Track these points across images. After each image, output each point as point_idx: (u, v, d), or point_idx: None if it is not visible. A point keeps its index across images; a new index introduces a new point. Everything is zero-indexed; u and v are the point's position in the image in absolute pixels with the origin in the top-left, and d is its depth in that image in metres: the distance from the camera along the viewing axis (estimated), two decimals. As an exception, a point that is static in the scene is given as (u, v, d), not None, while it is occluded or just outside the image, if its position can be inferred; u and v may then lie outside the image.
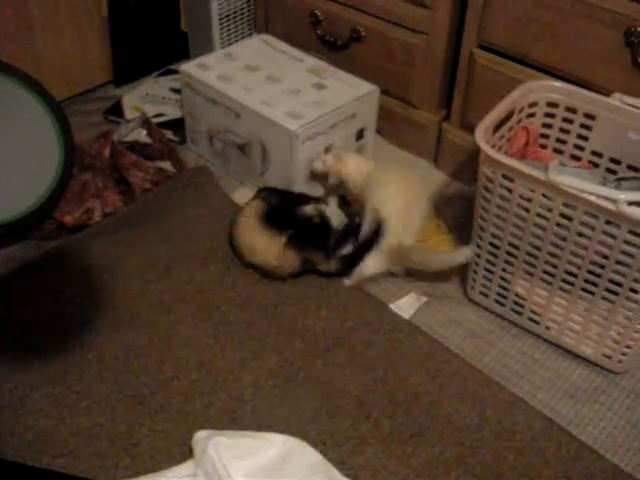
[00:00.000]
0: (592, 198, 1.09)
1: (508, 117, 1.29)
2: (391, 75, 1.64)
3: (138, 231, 1.46)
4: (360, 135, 1.58)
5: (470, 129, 1.57)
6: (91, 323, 1.30)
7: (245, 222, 1.39)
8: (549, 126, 1.37)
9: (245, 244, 1.39)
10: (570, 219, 1.14)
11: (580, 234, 1.15)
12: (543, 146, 1.40)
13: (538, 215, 1.17)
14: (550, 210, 1.15)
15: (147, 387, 1.20)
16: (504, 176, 1.17)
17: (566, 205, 1.13)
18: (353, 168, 1.41)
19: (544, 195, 1.14)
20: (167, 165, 1.64)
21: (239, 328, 1.31)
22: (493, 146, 1.24)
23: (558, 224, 1.16)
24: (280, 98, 1.50)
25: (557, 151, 1.40)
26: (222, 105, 1.53)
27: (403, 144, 1.71)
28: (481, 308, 1.38)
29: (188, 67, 1.59)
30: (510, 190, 1.18)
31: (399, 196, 1.36)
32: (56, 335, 1.27)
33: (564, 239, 1.17)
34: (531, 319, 1.32)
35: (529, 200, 1.16)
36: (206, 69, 1.58)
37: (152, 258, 1.42)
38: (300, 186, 1.51)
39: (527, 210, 1.18)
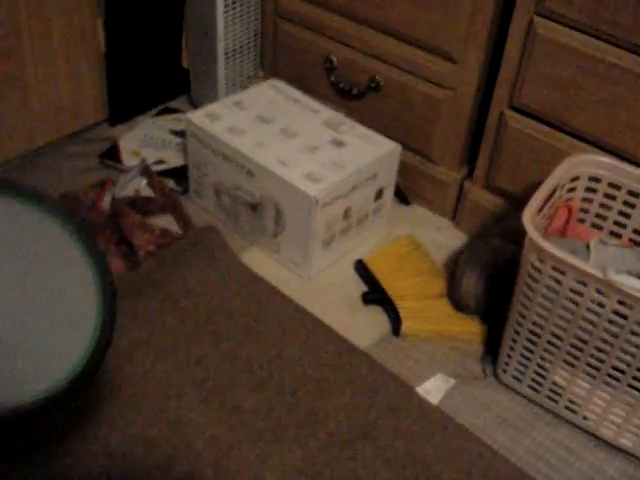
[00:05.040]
0: (653, 301, 1.01)
1: (551, 195, 1.21)
2: (410, 129, 1.55)
3: (142, 300, 1.35)
4: (379, 195, 1.48)
5: (494, 190, 1.49)
6: (93, 410, 1.19)
7: None
8: (589, 200, 1.29)
9: None
10: (624, 317, 1.06)
11: (634, 333, 1.07)
12: (581, 220, 1.31)
13: (588, 310, 1.09)
14: (602, 306, 1.07)
15: (160, 492, 1.09)
16: (554, 267, 1.08)
17: (621, 303, 1.05)
18: None
19: (597, 290, 1.06)
20: (170, 220, 1.52)
21: (256, 416, 1.21)
22: (535, 227, 1.15)
23: (610, 321, 1.07)
24: (297, 156, 1.40)
25: (596, 226, 1.31)
26: (233, 161, 1.42)
27: (421, 200, 1.62)
28: (512, 391, 1.29)
29: (195, 117, 1.48)
30: (559, 282, 1.09)
31: None
32: (55, 425, 1.16)
33: (615, 336, 1.08)
34: (568, 408, 1.23)
35: (580, 294, 1.08)
36: (215, 119, 1.47)
37: (158, 331, 1.31)
38: (316, 250, 1.41)
39: (576, 304, 1.09)
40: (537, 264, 1.10)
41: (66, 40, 1.60)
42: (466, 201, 1.54)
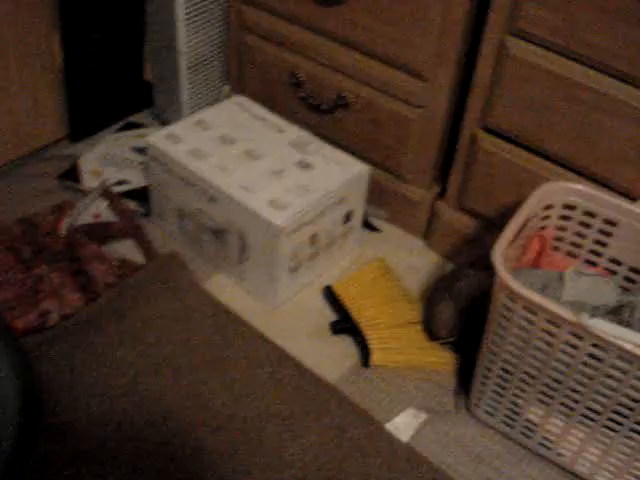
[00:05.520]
0: (628, 346, 0.96)
1: (524, 224, 1.16)
2: (380, 146, 1.49)
3: (102, 334, 1.30)
4: (348, 218, 1.43)
5: (467, 211, 1.44)
6: (51, 459, 1.13)
7: None
8: (564, 229, 1.24)
9: None
10: (599, 359, 1.01)
11: (609, 375, 1.02)
12: (556, 248, 1.27)
13: (562, 351, 1.04)
14: (576, 348, 1.02)
15: None
16: (525, 307, 1.04)
17: (596, 346, 1.00)
18: None
19: (570, 332, 1.01)
20: (132, 245, 1.47)
21: (219, 458, 1.16)
22: (507, 259, 1.10)
23: (584, 363, 1.03)
24: (261, 181, 1.34)
25: (571, 254, 1.27)
26: (195, 186, 1.36)
27: (393, 219, 1.56)
28: (486, 426, 1.25)
29: (155, 139, 1.41)
30: (531, 322, 1.04)
31: None
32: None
33: (590, 378, 1.04)
34: (542, 444, 1.19)
35: (552, 335, 1.03)
36: (176, 141, 1.41)
37: (119, 368, 1.26)
38: (283, 278, 1.35)
39: (549, 344, 1.05)
40: (508, 303, 1.05)
41: (20, 57, 1.53)
42: (438, 222, 1.49)
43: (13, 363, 0.68)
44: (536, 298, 1.01)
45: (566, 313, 0.99)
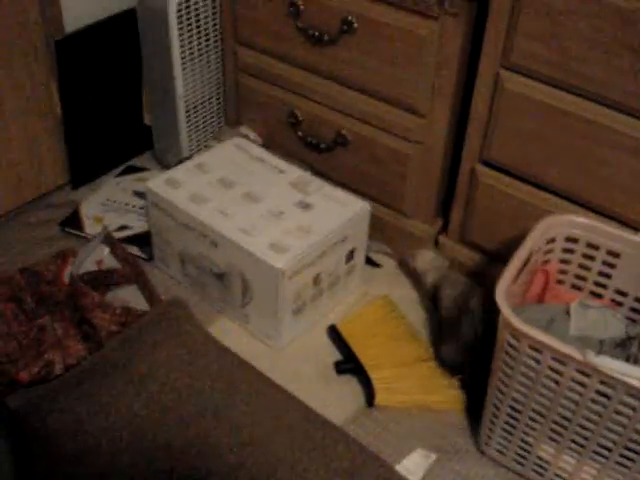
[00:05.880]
0: (636, 383, 0.95)
1: (527, 260, 1.15)
2: (381, 182, 1.49)
3: (106, 384, 1.29)
4: (350, 256, 1.42)
5: (470, 245, 1.44)
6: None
7: None
8: (567, 262, 1.23)
9: None
10: (608, 397, 1.00)
11: (618, 412, 1.01)
12: (560, 281, 1.26)
13: (569, 389, 1.03)
14: (584, 386, 1.01)
15: None
16: (530, 346, 1.02)
17: (604, 383, 0.99)
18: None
19: (578, 370, 1.00)
20: (135, 290, 1.46)
21: (227, 509, 1.14)
22: (511, 296, 1.09)
23: (593, 400, 1.01)
24: (261, 224, 1.34)
25: (575, 287, 1.26)
26: (196, 231, 1.36)
27: (396, 254, 1.55)
28: (497, 464, 1.23)
29: (155, 184, 1.41)
30: (537, 360, 1.03)
31: None
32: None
33: (599, 415, 1.02)
34: (555, 482, 1.18)
35: (560, 373, 1.02)
36: (175, 187, 1.41)
37: (124, 417, 1.25)
38: (287, 320, 1.34)
39: (557, 382, 1.03)
40: (513, 342, 1.04)
41: (19, 106, 1.54)
42: (442, 256, 1.48)
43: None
44: (541, 337, 0.99)
45: (572, 351, 0.97)
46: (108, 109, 1.69)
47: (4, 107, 1.52)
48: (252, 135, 1.62)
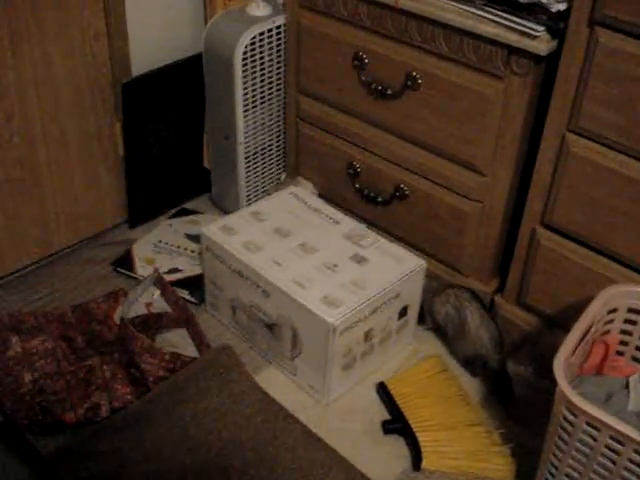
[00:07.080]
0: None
1: (587, 331, 1.11)
2: (438, 239, 1.47)
3: (151, 429, 1.28)
4: (403, 313, 1.40)
5: (526, 307, 1.40)
6: None
7: None
8: (629, 333, 1.19)
9: None
10: (668, 480, 0.95)
11: (680, 496, 0.96)
12: (620, 352, 1.21)
13: (627, 469, 0.98)
14: (644, 467, 0.96)
15: None
16: (588, 423, 0.98)
17: (664, 465, 0.94)
18: None
19: (637, 451, 0.95)
20: (184, 334, 1.46)
21: None
22: (569, 366, 1.06)
23: (652, 482, 0.97)
24: (315, 276, 1.32)
25: (636, 359, 1.21)
26: (249, 279, 1.35)
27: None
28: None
29: (211, 230, 1.42)
30: (594, 438, 0.99)
31: None
32: None
33: (659, 497, 0.98)
34: None
35: (617, 453, 0.97)
36: (231, 233, 1.41)
37: (166, 466, 1.23)
38: (335, 375, 1.32)
39: (613, 462, 0.99)
40: (569, 416, 1.00)
41: (83, 145, 1.57)
42: (497, 317, 1.44)
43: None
44: (599, 414, 0.96)
45: (631, 432, 0.93)
46: (169, 151, 1.71)
47: (69, 145, 1.54)
48: (309, 186, 1.61)
